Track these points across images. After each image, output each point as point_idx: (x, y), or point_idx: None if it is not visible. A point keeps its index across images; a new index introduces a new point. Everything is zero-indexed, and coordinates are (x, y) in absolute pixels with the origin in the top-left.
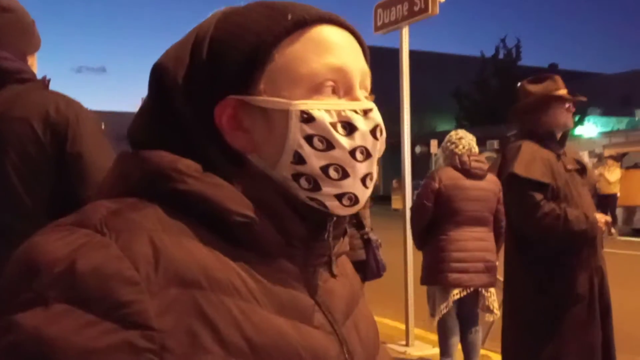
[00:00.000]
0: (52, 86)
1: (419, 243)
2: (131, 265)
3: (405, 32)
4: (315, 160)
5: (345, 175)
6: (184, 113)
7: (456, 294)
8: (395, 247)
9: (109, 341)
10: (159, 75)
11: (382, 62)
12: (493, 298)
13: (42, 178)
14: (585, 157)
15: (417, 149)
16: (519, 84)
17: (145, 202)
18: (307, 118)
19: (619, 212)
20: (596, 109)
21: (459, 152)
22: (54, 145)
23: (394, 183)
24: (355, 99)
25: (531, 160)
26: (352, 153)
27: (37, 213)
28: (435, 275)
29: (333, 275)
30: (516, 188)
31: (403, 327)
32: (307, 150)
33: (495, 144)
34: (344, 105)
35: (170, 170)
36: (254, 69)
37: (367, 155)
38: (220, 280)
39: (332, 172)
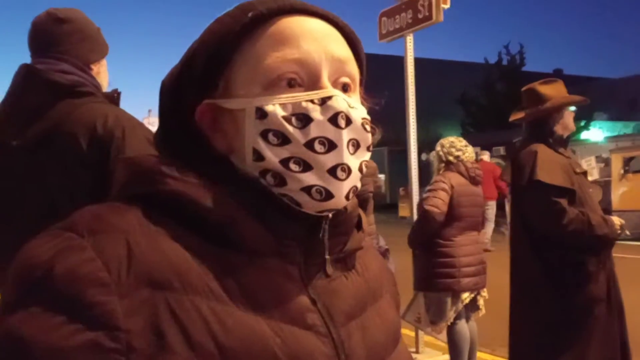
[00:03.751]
0: None
1: (419, 247)
2: (103, 267)
3: (410, 39)
4: (273, 156)
5: (307, 167)
6: (172, 120)
7: (466, 298)
8: (402, 255)
9: (76, 341)
10: (160, 91)
11: (387, 70)
12: (485, 296)
13: (87, 193)
14: (593, 162)
15: (423, 156)
16: (526, 87)
17: (129, 204)
18: (262, 114)
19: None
20: (602, 114)
21: (466, 159)
22: (98, 160)
23: (401, 191)
24: (320, 88)
25: (551, 165)
26: (308, 145)
27: None
28: (443, 281)
29: (327, 276)
30: (541, 195)
31: (412, 334)
32: (263, 145)
33: (502, 150)
34: (300, 97)
35: (150, 172)
36: (216, 71)
37: (331, 145)
38: (194, 282)
39: (292, 165)
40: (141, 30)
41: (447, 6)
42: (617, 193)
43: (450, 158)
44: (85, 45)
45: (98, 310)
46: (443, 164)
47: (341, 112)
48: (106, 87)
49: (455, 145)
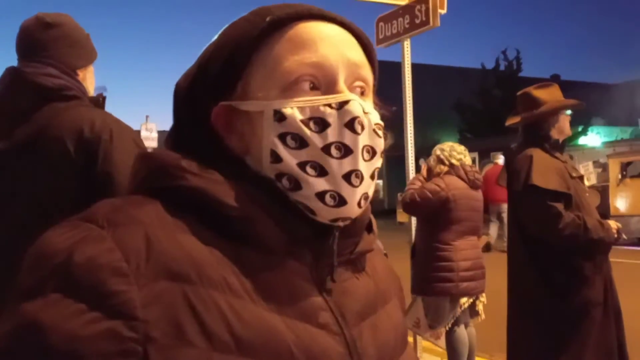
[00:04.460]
0: None
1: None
2: (122, 257)
3: (407, 44)
4: (290, 158)
5: (322, 172)
6: (187, 122)
7: (464, 302)
8: (400, 260)
9: (94, 329)
10: (174, 92)
11: (383, 75)
12: (484, 302)
13: (74, 196)
14: (590, 167)
15: (421, 162)
16: (521, 91)
17: (148, 198)
18: (280, 117)
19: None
20: (599, 119)
21: (467, 164)
22: (86, 163)
23: (399, 196)
24: (337, 92)
25: (547, 170)
26: (325, 150)
27: None
28: (441, 285)
29: (333, 281)
30: (536, 199)
31: (411, 339)
32: (281, 148)
33: (499, 155)
34: (318, 101)
35: (171, 167)
36: (233, 74)
37: (347, 151)
38: (211, 275)
39: (309, 169)
40: (140, 36)
41: (444, 11)
42: (615, 198)
43: (454, 161)
44: (72, 51)
45: (117, 300)
46: (444, 167)
47: (358, 117)
48: (92, 93)
49: (456, 149)
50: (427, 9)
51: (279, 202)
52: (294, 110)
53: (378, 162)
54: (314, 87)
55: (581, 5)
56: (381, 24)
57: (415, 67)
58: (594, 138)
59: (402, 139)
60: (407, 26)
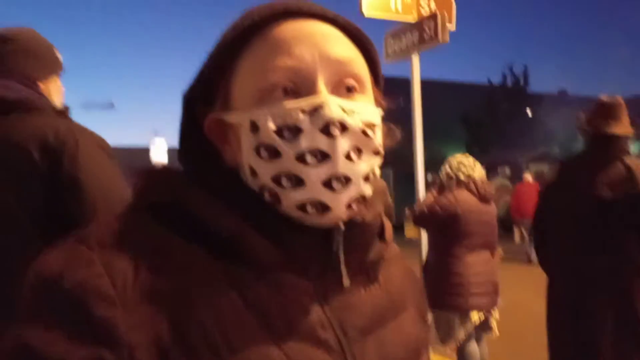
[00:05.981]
0: None
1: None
2: (109, 282)
3: (416, 60)
4: (264, 172)
5: (299, 182)
6: (187, 133)
7: (475, 318)
8: None
9: (80, 354)
10: (181, 104)
11: (391, 92)
12: (496, 317)
13: (41, 202)
14: None
15: (429, 177)
16: (618, 100)
17: (141, 215)
18: (254, 128)
19: None
20: None
21: (477, 177)
22: (51, 169)
23: (407, 211)
24: (315, 94)
25: None
26: (299, 158)
27: (35, 236)
28: (452, 300)
29: (342, 287)
30: None
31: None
32: (255, 162)
33: (507, 170)
34: (290, 107)
35: (161, 184)
36: (219, 84)
37: (323, 156)
38: (200, 297)
39: (284, 182)
40: (150, 51)
41: (452, 27)
42: None
43: (461, 175)
44: (30, 63)
45: (102, 326)
46: (453, 182)
47: (333, 120)
48: (58, 104)
49: (464, 163)
50: (435, 25)
51: (271, 215)
52: (267, 120)
53: (374, 160)
54: (291, 92)
55: (588, 21)
56: (390, 39)
57: (422, 82)
58: None
59: (410, 154)
60: (416, 41)
